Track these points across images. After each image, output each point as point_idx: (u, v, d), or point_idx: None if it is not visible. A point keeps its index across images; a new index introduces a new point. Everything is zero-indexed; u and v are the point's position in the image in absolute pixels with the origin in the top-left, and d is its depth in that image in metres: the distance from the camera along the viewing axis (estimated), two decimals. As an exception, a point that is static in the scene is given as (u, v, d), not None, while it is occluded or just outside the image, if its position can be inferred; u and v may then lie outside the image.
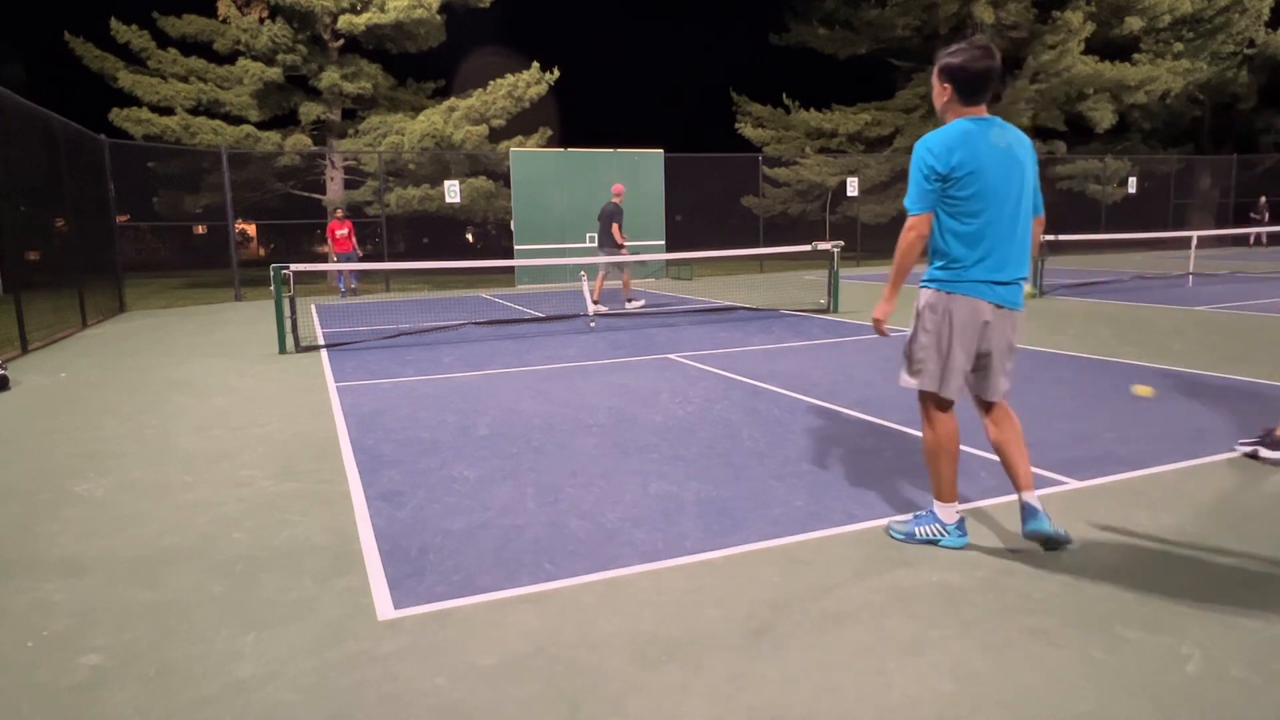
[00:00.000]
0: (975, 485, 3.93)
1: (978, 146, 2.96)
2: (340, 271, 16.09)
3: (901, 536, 3.32)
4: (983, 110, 3.06)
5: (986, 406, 3.26)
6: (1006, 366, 3.19)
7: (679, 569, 3.10)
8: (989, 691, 2.27)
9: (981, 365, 3.16)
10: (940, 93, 3.09)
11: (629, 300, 12.55)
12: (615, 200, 12.20)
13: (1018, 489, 3.20)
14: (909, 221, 3.05)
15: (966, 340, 3.08)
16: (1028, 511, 3.14)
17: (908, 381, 3.24)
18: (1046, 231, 13.47)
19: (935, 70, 3.10)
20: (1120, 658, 2.42)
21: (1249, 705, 2.18)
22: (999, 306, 3.07)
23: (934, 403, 3.19)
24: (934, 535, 3.26)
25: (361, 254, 18.90)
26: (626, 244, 12.22)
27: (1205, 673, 2.33)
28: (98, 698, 2.36)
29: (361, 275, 18.30)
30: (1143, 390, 4.18)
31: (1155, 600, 2.76)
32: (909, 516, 3.44)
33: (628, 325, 10.36)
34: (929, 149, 2.99)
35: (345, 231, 16.54)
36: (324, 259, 16.17)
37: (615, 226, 12.02)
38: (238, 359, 8.54)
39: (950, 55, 3.02)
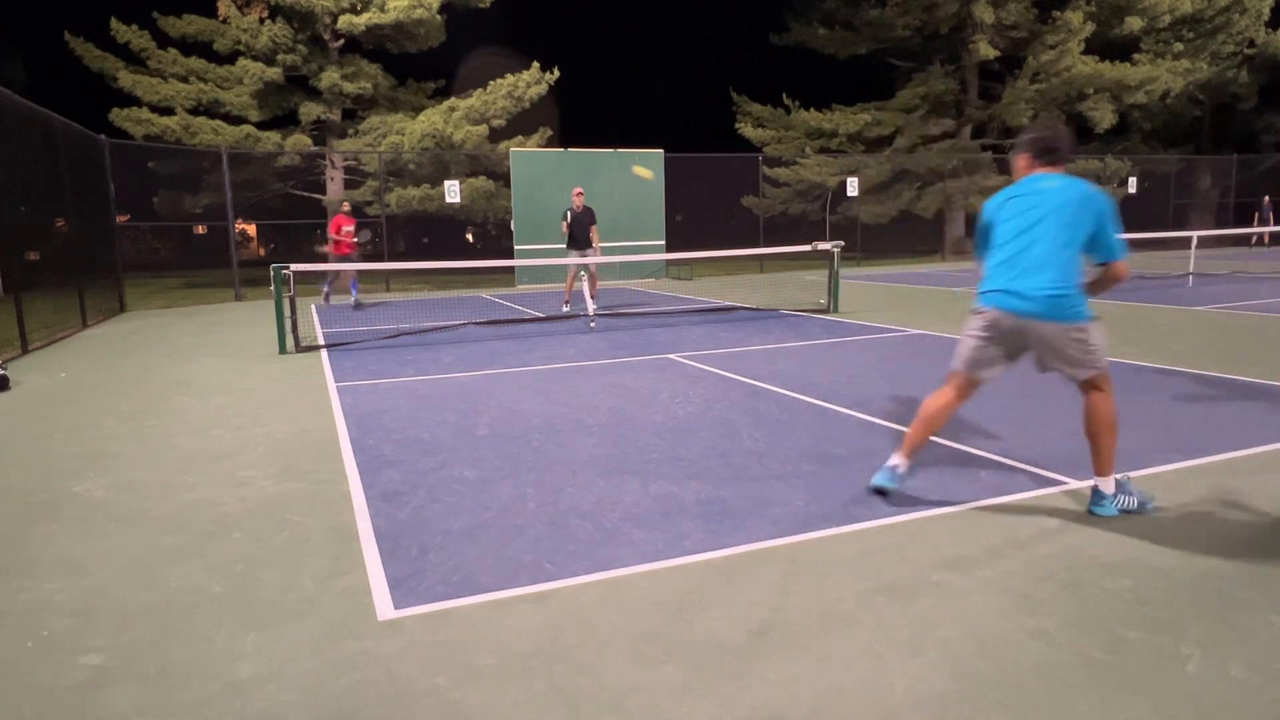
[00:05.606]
0: (975, 484, 3.93)
1: (1014, 193, 3.60)
2: (332, 274, 14.20)
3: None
4: (1042, 169, 3.61)
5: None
6: (1056, 364, 3.51)
7: (679, 569, 3.10)
8: (989, 691, 2.27)
9: (1038, 361, 3.58)
10: (1019, 162, 3.69)
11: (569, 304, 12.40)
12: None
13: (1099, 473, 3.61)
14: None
15: (991, 339, 3.57)
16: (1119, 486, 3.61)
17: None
18: None
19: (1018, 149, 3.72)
20: (1120, 658, 2.42)
21: (1249, 705, 2.18)
22: (1018, 315, 3.47)
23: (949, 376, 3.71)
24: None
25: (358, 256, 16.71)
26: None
27: (1205, 673, 2.33)
28: (98, 698, 2.36)
29: (361, 276, 15.98)
30: (641, 171, 4.57)
31: (1155, 600, 2.76)
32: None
33: (628, 325, 10.36)
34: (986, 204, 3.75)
35: (352, 228, 14.11)
36: (324, 259, 15.33)
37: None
38: (238, 359, 8.54)
39: (1027, 132, 3.72)
